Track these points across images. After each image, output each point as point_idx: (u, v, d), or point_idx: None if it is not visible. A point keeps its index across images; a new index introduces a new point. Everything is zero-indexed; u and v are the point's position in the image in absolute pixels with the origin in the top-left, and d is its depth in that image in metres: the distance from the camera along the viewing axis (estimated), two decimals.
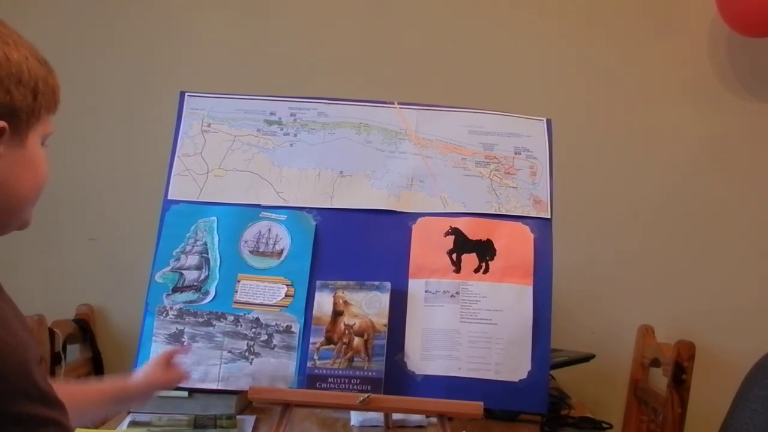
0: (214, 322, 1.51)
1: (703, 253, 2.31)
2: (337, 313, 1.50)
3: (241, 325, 1.50)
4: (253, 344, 1.50)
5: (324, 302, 1.51)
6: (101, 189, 2.37)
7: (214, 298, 1.54)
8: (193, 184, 1.63)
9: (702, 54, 2.33)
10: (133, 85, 2.38)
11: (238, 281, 1.55)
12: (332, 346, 1.48)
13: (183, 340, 1.50)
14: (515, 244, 1.57)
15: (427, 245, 1.57)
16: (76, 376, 2.13)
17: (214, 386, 1.47)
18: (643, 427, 2.12)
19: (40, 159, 0.90)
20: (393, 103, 1.69)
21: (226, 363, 1.49)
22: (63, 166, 2.30)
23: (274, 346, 1.50)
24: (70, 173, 2.33)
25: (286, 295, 1.54)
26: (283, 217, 1.60)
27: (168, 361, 1.32)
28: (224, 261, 1.57)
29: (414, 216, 1.60)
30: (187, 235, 1.59)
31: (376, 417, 1.47)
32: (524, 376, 1.47)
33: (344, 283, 1.53)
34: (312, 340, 1.49)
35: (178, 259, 1.57)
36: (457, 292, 1.53)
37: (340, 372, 1.45)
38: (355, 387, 1.43)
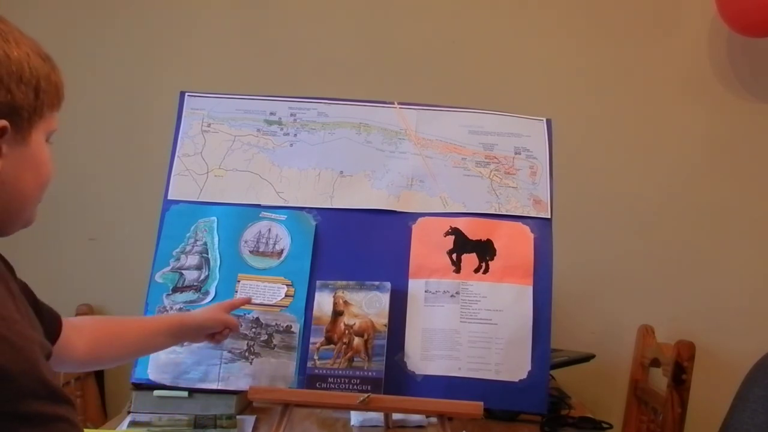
0: None
1: (703, 253, 2.31)
2: (337, 313, 1.50)
3: (241, 325, 1.50)
4: (253, 344, 1.50)
5: (324, 302, 1.51)
6: (101, 189, 2.37)
7: (214, 298, 1.54)
8: (193, 184, 1.63)
9: (702, 54, 2.33)
10: (133, 85, 2.37)
11: (238, 281, 1.55)
12: (332, 346, 1.48)
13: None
14: (515, 244, 1.57)
15: (427, 245, 1.57)
16: (76, 376, 2.13)
17: (214, 386, 1.47)
18: (643, 427, 2.12)
19: (44, 157, 0.90)
20: (393, 103, 1.69)
21: (226, 363, 1.49)
22: (63, 166, 2.28)
23: (274, 346, 1.50)
24: (70, 173, 2.33)
25: (286, 295, 1.54)
26: (283, 217, 1.60)
27: (230, 308, 1.44)
28: (224, 261, 1.57)
29: (414, 216, 1.60)
30: (187, 235, 1.59)
31: (376, 417, 1.46)
32: (524, 376, 1.47)
33: (344, 283, 1.53)
34: (312, 340, 1.49)
35: (178, 259, 1.57)
36: (457, 292, 1.53)
37: (340, 372, 1.45)
38: (355, 387, 1.43)
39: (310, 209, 1.61)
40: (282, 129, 1.67)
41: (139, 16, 2.39)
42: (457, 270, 1.55)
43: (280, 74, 2.34)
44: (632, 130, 2.33)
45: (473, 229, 1.58)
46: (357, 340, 1.47)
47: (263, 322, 1.51)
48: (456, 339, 1.49)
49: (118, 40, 2.38)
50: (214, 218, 1.60)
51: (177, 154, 1.66)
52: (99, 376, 2.24)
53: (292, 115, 1.69)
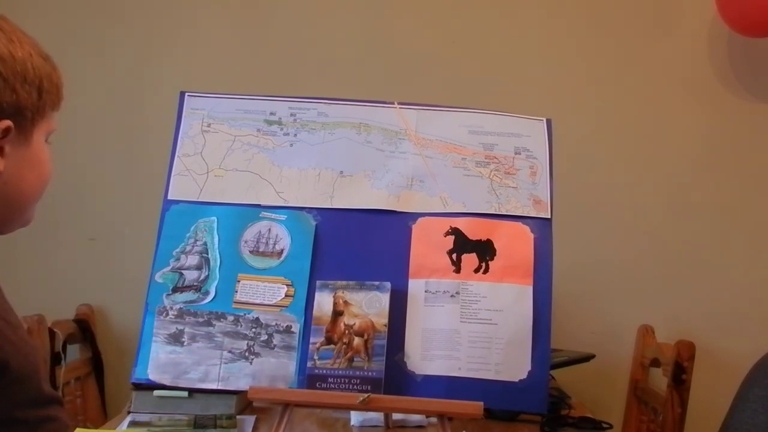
0: (214, 322, 1.52)
1: (703, 253, 2.31)
2: (337, 313, 1.50)
3: (241, 325, 1.50)
4: (253, 344, 1.50)
5: (324, 302, 1.51)
6: (101, 189, 2.37)
7: (214, 298, 1.54)
8: (193, 184, 1.63)
9: (702, 54, 2.33)
10: (133, 85, 2.37)
11: (238, 281, 1.55)
12: (332, 346, 1.48)
13: (183, 340, 1.50)
14: (515, 244, 1.57)
15: (427, 245, 1.57)
16: (76, 376, 2.13)
17: (214, 386, 1.47)
18: (643, 427, 2.12)
19: (44, 156, 0.90)
20: (393, 103, 1.69)
21: (226, 363, 1.49)
22: (63, 166, 2.28)
23: (274, 346, 1.50)
24: (70, 173, 2.33)
25: (286, 295, 1.54)
26: (283, 217, 1.60)
27: None
28: (224, 261, 1.57)
29: (414, 216, 1.60)
30: (187, 235, 1.59)
31: (376, 417, 1.46)
32: (524, 376, 1.47)
33: (344, 283, 1.53)
34: (312, 340, 1.49)
35: (178, 259, 1.57)
36: (457, 292, 1.53)
37: (340, 372, 1.45)
38: (355, 387, 1.43)
39: (310, 209, 1.61)
40: (282, 129, 1.67)
41: (139, 16, 2.39)
42: (457, 270, 1.55)
43: (280, 74, 2.34)
44: (632, 130, 2.33)
45: (473, 229, 1.58)
46: (357, 340, 1.47)
47: (263, 322, 1.51)
48: (456, 339, 1.49)
49: (118, 40, 2.38)
50: (214, 218, 1.60)
51: (177, 154, 1.65)
52: (99, 376, 2.24)
53: (292, 115, 1.68)
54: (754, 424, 1.29)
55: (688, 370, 1.87)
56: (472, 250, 1.56)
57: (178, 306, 1.53)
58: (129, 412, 1.47)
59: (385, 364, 1.45)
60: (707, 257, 2.30)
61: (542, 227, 1.59)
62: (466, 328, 1.50)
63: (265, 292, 1.54)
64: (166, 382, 1.48)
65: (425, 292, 1.53)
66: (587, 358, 1.95)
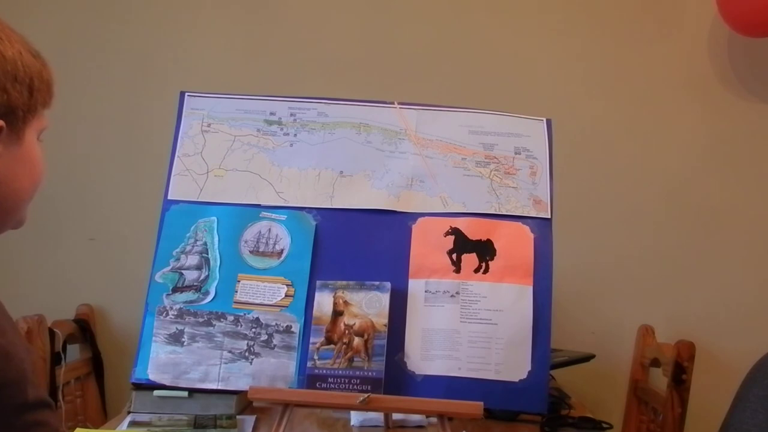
0: (214, 322, 1.52)
1: (703, 253, 2.30)
2: (337, 313, 1.50)
3: (241, 325, 1.50)
4: (253, 344, 1.50)
5: (324, 302, 1.51)
6: (101, 189, 2.37)
7: (214, 298, 1.54)
8: (193, 184, 1.63)
9: (702, 54, 2.33)
10: (133, 85, 2.37)
11: (238, 281, 1.55)
12: (332, 346, 1.48)
13: (183, 340, 1.50)
14: (515, 244, 1.57)
15: (427, 245, 1.57)
16: (76, 376, 2.13)
17: (214, 386, 1.47)
18: (643, 427, 2.12)
19: (36, 155, 0.88)
20: (393, 103, 1.69)
21: (226, 363, 1.49)
22: (63, 166, 2.30)
23: (274, 346, 1.50)
24: (70, 173, 2.33)
25: (286, 295, 1.54)
26: (283, 217, 1.60)
27: None
28: (224, 261, 1.57)
29: (414, 216, 1.60)
30: (187, 235, 1.59)
31: (376, 417, 1.46)
32: (524, 376, 1.47)
33: (344, 283, 1.53)
34: (312, 340, 1.49)
35: (178, 259, 1.57)
36: (457, 292, 1.53)
37: (340, 372, 1.45)
38: (355, 387, 1.43)
39: (310, 209, 1.61)
40: (282, 129, 1.67)
41: (139, 17, 2.39)
42: (457, 270, 1.55)
43: (280, 74, 2.34)
44: (632, 130, 2.33)
45: (473, 229, 1.58)
46: (357, 340, 1.47)
47: (263, 322, 1.51)
48: (456, 339, 1.49)
49: (118, 40, 2.38)
50: (214, 218, 1.60)
51: (177, 154, 1.66)
52: (99, 376, 2.24)
53: (292, 115, 1.69)
54: (754, 424, 1.29)
55: (688, 370, 1.87)
56: (472, 250, 1.56)
57: (178, 306, 1.53)
58: (129, 412, 1.47)
59: (385, 364, 1.45)
60: (707, 257, 2.30)
61: (542, 227, 1.59)
62: (466, 328, 1.50)
63: (265, 292, 1.54)
64: (166, 382, 1.48)
65: (425, 292, 1.53)
66: (587, 358, 1.95)
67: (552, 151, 1.66)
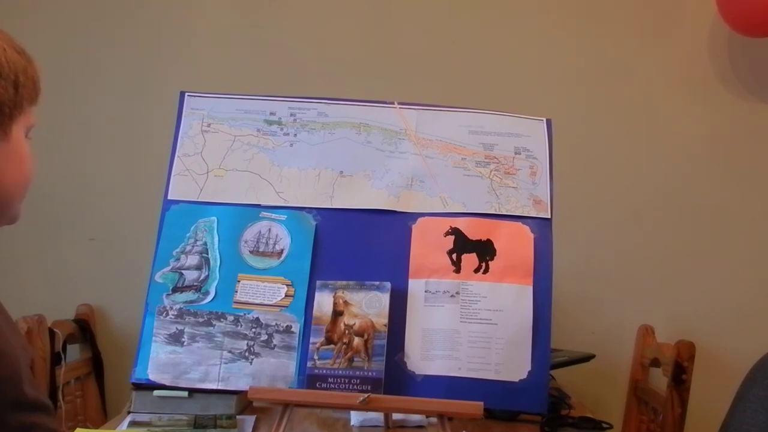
0: (214, 322, 1.52)
1: (703, 253, 2.30)
2: (337, 313, 1.50)
3: (241, 325, 1.50)
4: (253, 344, 1.50)
5: (324, 302, 1.51)
6: (101, 189, 2.37)
7: (214, 298, 1.54)
8: (193, 184, 1.63)
9: (702, 54, 2.33)
10: (133, 85, 2.37)
11: (238, 281, 1.55)
12: (332, 346, 1.48)
13: (183, 340, 1.50)
14: (515, 244, 1.57)
15: (427, 245, 1.57)
16: (76, 376, 2.13)
17: (214, 386, 1.47)
18: (643, 427, 2.12)
19: (25, 152, 0.88)
20: (393, 103, 1.69)
21: (226, 363, 1.49)
22: (63, 166, 2.30)
23: (274, 346, 1.50)
24: (70, 173, 2.33)
25: (286, 295, 1.54)
26: (283, 217, 1.60)
27: None
28: (224, 261, 1.57)
29: (414, 216, 1.60)
30: (187, 235, 1.59)
31: (376, 417, 1.46)
32: (524, 376, 1.47)
33: (344, 283, 1.53)
34: (312, 340, 1.49)
35: (178, 259, 1.57)
36: (457, 292, 1.53)
37: (340, 372, 1.45)
38: (355, 387, 1.43)
39: (310, 209, 1.61)
40: (282, 129, 1.67)
41: (140, 17, 2.39)
42: (457, 270, 1.55)
43: (280, 74, 2.34)
44: (632, 130, 2.33)
45: (473, 229, 1.58)
46: (357, 340, 1.47)
47: (263, 322, 1.51)
48: (456, 339, 1.49)
49: (118, 41, 2.38)
50: (214, 218, 1.60)
51: (177, 154, 1.66)
52: (99, 376, 2.24)
53: (292, 115, 1.69)
54: (754, 424, 1.29)
55: (688, 370, 1.87)
56: (472, 250, 1.56)
57: (178, 306, 1.53)
58: (129, 412, 1.47)
59: (385, 364, 1.45)
60: (707, 257, 2.30)
61: (542, 227, 1.59)
62: (466, 328, 1.50)
63: (265, 292, 1.54)
64: (166, 382, 1.48)
65: (425, 292, 1.53)
66: (587, 358, 1.95)
67: (552, 151, 1.66)
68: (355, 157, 1.65)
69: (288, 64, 2.35)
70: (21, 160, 0.87)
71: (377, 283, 1.52)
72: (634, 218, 2.32)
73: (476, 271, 1.55)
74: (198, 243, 1.58)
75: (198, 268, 1.57)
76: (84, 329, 2.21)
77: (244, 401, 1.50)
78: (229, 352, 1.49)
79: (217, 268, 1.56)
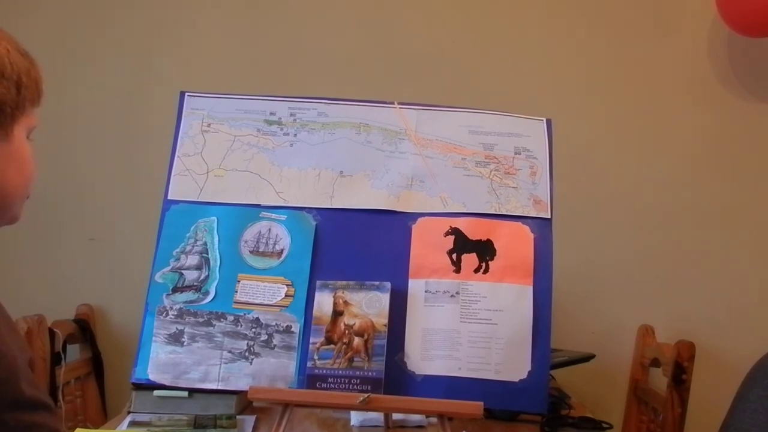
0: (214, 322, 1.52)
1: (703, 253, 2.30)
2: (337, 313, 1.50)
3: (241, 325, 1.50)
4: (253, 344, 1.50)
5: (324, 302, 1.51)
6: (101, 189, 2.37)
7: (214, 298, 1.54)
8: (193, 184, 1.63)
9: (702, 54, 2.33)
10: (133, 85, 2.37)
11: (238, 281, 1.55)
12: (332, 346, 1.48)
13: (183, 340, 1.50)
14: (515, 244, 1.57)
15: (427, 245, 1.57)
16: (76, 376, 2.13)
17: (214, 386, 1.47)
18: (643, 427, 2.12)
19: (26, 153, 0.88)
20: (393, 103, 1.69)
21: (226, 363, 1.49)
22: (63, 166, 2.30)
23: (274, 346, 1.50)
24: (70, 173, 2.33)
25: (286, 295, 1.54)
26: (283, 217, 1.60)
27: None
28: (224, 261, 1.57)
29: (414, 216, 1.60)
30: (187, 235, 1.59)
31: (376, 417, 1.46)
32: (524, 376, 1.47)
33: (344, 283, 1.53)
34: (312, 340, 1.49)
35: (178, 259, 1.57)
36: (457, 292, 1.53)
37: (340, 372, 1.45)
38: (355, 387, 1.43)
39: (310, 209, 1.61)
40: (282, 129, 1.67)
41: (139, 16, 2.39)
42: (457, 270, 1.55)
43: (280, 74, 2.34)
44: (632, 130, 2.33)
45: (473, 229, 1.58)
46: (357, 340, 1.47)
47: (263, 322, 1.51)
48: (456, 339, 1.49)
49: (118, 40, 2.38)
50: (214, 218, 1.60)
51: (177, 154, 1.66)
52: (99, 376, 2.24)
53: (291, 115, 1.69)
54: (754, 424, 1.29)
55: (688, 370, 1.87)
56: (472, 250, 1.56)
57: (178, 306, 1.53)
58: (129, 412, 1.47)
59: (385, 364, 1.45)
60: (707, 257, 2.30)
61: (542, 227, 1.59)
62: (466, 328, 1.50)
63: (265, 292, 1.54)
64: (166, 382, 1.48)
65: (425, 292, 1.53)
66: (587, 358, 1.95)
67: (552, 151, 1.66)
68: (355, 157, 1.65)
69: (288, 64, 2.35)
70: (22, 161, 0.87)
71: (377, 283, 1.52)
72: (634, 218, 2.32)
73: (476, 271, 1.55)
74: (198, 243, 1.58)
75: (198, 268, 1.57)
76: (84, 329, 2.21)
77: (244, 401, 1.50)
78: (229, 352, 1.49)
79: (217, 268, 1.56)
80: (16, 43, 0.85)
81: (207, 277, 1.56)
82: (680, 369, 1.87)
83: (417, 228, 1.59)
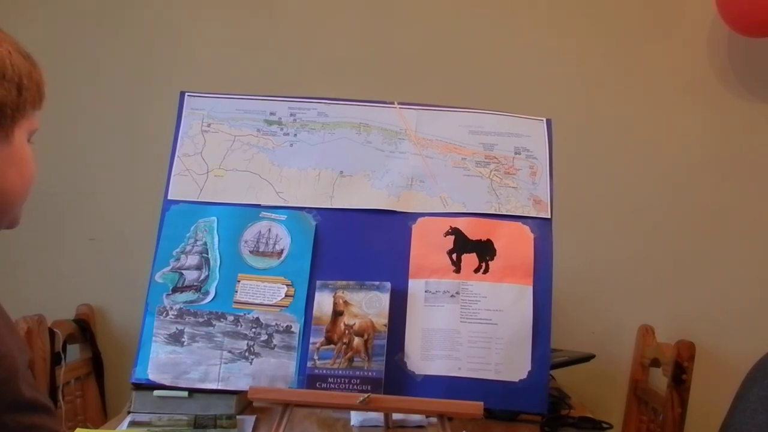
0: (214, 322, 1.52)
1: (703, 253, 2.31)
2: (337, 313, 1.50)
3: (241, 325, 1.50)
4: (253, 344, 1.50)
5: (324, 302, 1.51)
6: (101, 189, 2.37)
7: (214, 298, 1.54)
8: (193, 184, 1.63)
9: (702, 54, 2.33)
10: (133, 85, 2.37)
11: (238, 281, 1.55)
12: (332, 346, 1.48)
13: (183, 340, 1.50)
14: (515, 244, 1.57)
15: (427, 245, 1.57)
16: (76, 376, 2.13)
17: (214, 386, 1.47)
18: (643, 427, 2.12)
19: (27, 155, 0.88)
20: (393, 103, 1.69)
21: (226, 363, 1.49)
22: (63, 166, 2.30)
23: (274, 346, 1.50)
24: (70, 173, 2.33)
25: (286, 295, 1.54)
26: (283, 217, 1.60)
27: None
28: (224, 261, 1.57)
29: (414, 216, 1.60)
30: (187, 235, 1.59)
31: (376, 417, 1.46)
32: (524, 376, 1.47)
33: (344, 283, 1.53)
34: (312, 340, 1.49)
35: (178, 259, 1.57)
36: (457, 292, 1.53)
37: (340, 372, 1.45)
38: (355, 387, 1.43)
39: (310, 209, 1.61)
40: (282, 129, 1.67)
41: (139, 17, 2.39)
42: (457, 270, 1.55)
43: (280, 74, 2.34)
44: (632, 130, 2.33)
45: (473, 229, 1.58)
46: (357, 340, 1.47)
47: (263, 322, 1.51)
48: (456, 339, 1.49)
49: (118, 41, 2.38)
50: (214, 218, 1.60)
51: (177, 154, 1.66)
52: (99, 376, 2.24)
53: (291, 115, 1.69)
54: (754, 424, 1.29)
55: (688, 370, 1.87)
56: (472, 250, 1.56)
57: (178, 306, 1.53)
58: (129, 412, 1.47)
59: (385, 364, 1.45)
60: (707, 257, 2.30)
61: (542, 227, 1.59)
62: (466, 328, 1.50)
63: (265, 292, 1.54)
64: (166, 382, 1.48)
65: (425, 292, 1.53)
66: (587, 358, 1.95)
67: (552, 151, 1.66)
68: (355, 157, 1.65)
69: (288, 64, 2.35)
70: (22, 164, 0.87)
71: (377, 283, 1.52)
72: (634, 218, 2.32)
73: (476, 271, 1.55)
74: (198, 243, 1.58)
75: (198, 268, 1.57)
76: (84, 329, 2.21)
77: (244, 401, 1.50)
78: (229, 352, 1.49)
79: (217, 268, 1.56)
80: (18, 45, 0.85)
81: (207, 277, 1.56)
82: (680, 369, 1.87)
83: (417, 228, 1.59)
